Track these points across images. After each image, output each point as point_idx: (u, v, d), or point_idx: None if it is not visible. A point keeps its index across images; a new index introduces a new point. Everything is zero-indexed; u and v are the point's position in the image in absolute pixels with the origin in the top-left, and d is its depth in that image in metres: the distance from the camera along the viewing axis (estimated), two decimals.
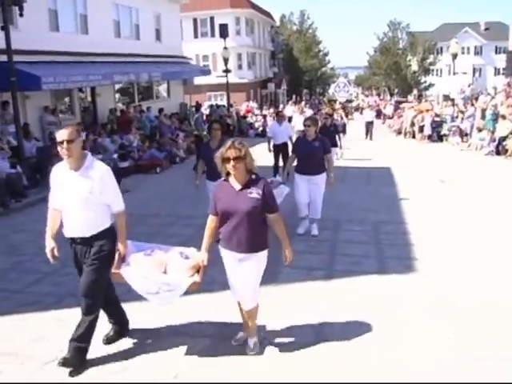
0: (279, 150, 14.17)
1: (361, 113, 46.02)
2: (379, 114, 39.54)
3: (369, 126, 28.19)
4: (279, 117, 15.08)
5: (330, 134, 14.46)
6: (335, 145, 15.20)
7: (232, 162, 4.74)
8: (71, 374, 4.79)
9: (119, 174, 14.13)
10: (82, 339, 4.87)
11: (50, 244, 5.03)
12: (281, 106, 40.39)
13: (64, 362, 4.79)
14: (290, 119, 23.52)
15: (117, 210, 5.03)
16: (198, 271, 5.08)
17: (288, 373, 4.78)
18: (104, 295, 5.07)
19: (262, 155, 14.60)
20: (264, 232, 5.01)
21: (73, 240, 4.97)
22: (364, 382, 4.62)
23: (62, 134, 4.73)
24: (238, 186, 4.88)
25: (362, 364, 4.90)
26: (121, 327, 5.49)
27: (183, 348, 5.27)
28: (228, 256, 5.02)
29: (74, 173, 4.81)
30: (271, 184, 8.61)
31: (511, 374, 4.71)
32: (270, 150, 14.29)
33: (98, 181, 4.79)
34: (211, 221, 5.06)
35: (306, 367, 4.87)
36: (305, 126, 9.17)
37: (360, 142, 25.18)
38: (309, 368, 4.85)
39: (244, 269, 4.95)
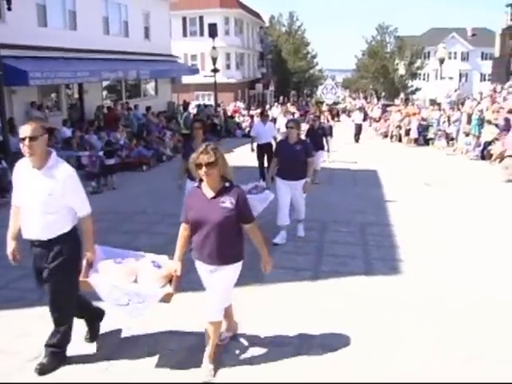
0: (263, 150, 13.76)
1: (348, 115, 46.19)
2: (365, 116, 39.65)
3: (358, 128, 27.89)
4: (264, 116, 14.73)
5: (317, 136, 14.43)
6: (323, 148, 14.97)
7: (204, 168, 4.48)
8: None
9: (105, 171, 14.15)
10: (57, 346, 4.77)
11: (10, 245, 4.80)
12: (267, 106, 40.32)
13: (41, 369, 4.67)
14: (275, 120, 23.32)
15: (82, 214, 4.75)
16: (170, 281, 4.85)
17: (273, 375, 4.77)
18: (75, 302, 4.86)
19: (247, 155, 14.69)
20: (237, 244, 4.75)
21: (31, 242, 4.68)
22: (348, 383, 4.63)
23: (24, 131, 4.44)
24: (210, 194, 4.63)
25: (348, 365, 4.91)
26: (96, 322, 5.30)
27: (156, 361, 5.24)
28: (200, 266, 4.83)
29: (37, 171, 4.54)
30: (255, 189, 8.74)
31: (500, 374, 4.74)
32: (252, 150, 13.98)
33: (61, 183, 4.51)
34: (183, 229, 4.82)
35: (292, 367, 4.86)
36: (287, 127, 8.86)
37: (348, 145, 24.99)
38: (294, 369, 4.84)
39: (213, 279, 4.72)
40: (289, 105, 40.20)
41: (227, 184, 4.67)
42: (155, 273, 4.88)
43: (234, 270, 4.78)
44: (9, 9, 13.68)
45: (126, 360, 4.97)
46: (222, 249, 4.61)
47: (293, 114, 30.55)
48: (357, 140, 27.41)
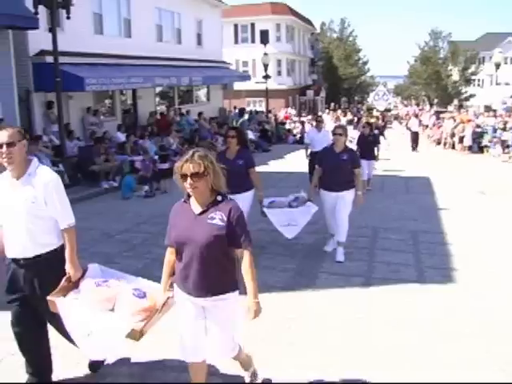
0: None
1: (400, 122, 45.58)
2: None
3: (415, 136, 26.61)
4: (318, 123, 14.23)
5: (368, 144, 14.22)
6: (374, 157, 14.62)
7: (189, 179, 3.74)
8: None
9: (158, 175, 14.41)
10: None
11: None
12: (319, 112, 40.19)
13: None
14: None
15: (65, 224, 4.22)
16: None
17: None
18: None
19: (298, 162, 14.67)
20: (230, 271, 3.93)
21: (15, 262, 4.21)
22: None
23: (0, 136, 4.00)
24: (197, 210, 3.89)
25: (399, 371, 4.85)
26: (39, 378, 4.46)
27: None
28: (183, 300, 3.97)
29: (16, 181, 4.13)
30: (295, 201, 8.59)
31: None
32: (307, 157, 13.64)
33: (42, 188, 4.09)
34: (170, 253, 4.09)
35: (344, 373, 4.83)
36: (334, 134, 8.22)
37: (404, 153, 24.12)
38: (347, 373, 4.82)
39: (210, 321, 3.97)
40: (339, 111, 39.98)
41: (219, 197, 3.90)
42: (135, 303, 4.11)
43: (234, 301, 3.98)
44: (68, 18, 14.07)
45: None
46: (210, 276, 3.81)
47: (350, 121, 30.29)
48: (414, 148, 26.30)
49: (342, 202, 8.08)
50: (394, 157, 20.78)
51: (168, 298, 4.11)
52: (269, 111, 32.95)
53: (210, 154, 3.91)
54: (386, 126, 33.43)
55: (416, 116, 29.40)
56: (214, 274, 3.80)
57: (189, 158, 3.76)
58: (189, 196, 3.95)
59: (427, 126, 34.47)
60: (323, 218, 8.72)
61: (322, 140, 12.93)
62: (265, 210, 8.31)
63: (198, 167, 3.73)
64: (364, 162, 13.39)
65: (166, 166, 14.77)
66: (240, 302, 3.98)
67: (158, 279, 7.19)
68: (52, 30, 13.45)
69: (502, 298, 6.70)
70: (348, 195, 8.11)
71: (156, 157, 14.75)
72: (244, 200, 7.52)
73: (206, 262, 3.77)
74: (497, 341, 5.47)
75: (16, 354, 4.53)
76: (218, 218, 3.79)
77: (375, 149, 14.76)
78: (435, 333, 5.66)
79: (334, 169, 8.05)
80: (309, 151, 13.63)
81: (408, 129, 28.67)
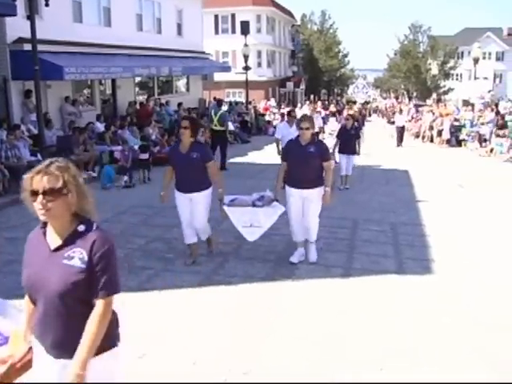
0: None
1: (382, 115, 45.81)
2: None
3: (401, 131, 25.75)
4: (290, 117, 13.19)
5: (349, 138, 13.49)
6: (355, 151, 13.79)
7: (41, 197, 2.70)
8: None
9: (140, 165, 14.35)
10: None
11: None
12: (298, 105, 40.17)
13: None
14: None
15: None
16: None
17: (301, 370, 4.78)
18: None
19: (275, 156, 14.69)
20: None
21: None
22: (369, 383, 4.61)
23: None
24: (53, 243, 2.84)
25: (377, 363, 4.89)
26: None
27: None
28: (42, 359, 2.92)
29: None
30: (260, 200, 7.66)
31: None
32: (279, 153, 11.56)
33: None
34: (27, 301, 3.06)
35: (321, 363, 4.86)
36: (300, 129, 7.40)
37: (385, 147, 24.05)
38: (324, 364, 4.84)
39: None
40: (319, 103, 40.00)
41: (81, 227, 2.83)
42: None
43: (112, 363, 2.98)
44: (46, 5, 13.88)
45: None
46: (72, 334, 2.75)
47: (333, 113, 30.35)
48: (399, 144, 25.51)
49: (311, 203, 7.35)
50: (375, 151, 20.84)
51: (29, 351, 3.04)
52: (249, 102, 32.87)
53: (71, 166, 2.88)
54: (364, 119, 33.62)
55: (401, 111, 29.07)
56: (76, 331, 2.72)
57: (43, 169, 2.75)
58: (45, 223, 2.88)
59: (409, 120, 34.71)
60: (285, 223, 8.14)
61: (293, 135, 11.79)
62: (225, 207, 7.58)
63: (54, 181, 2.72)
64: (343, 157, 13.43)
65: (146, 155, 14.70)
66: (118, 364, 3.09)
67: (139, 270, 7.20)
68: (30, 17, 13.20)
69: (479, 288, 6.78)
70: (317, 193, 7.35)
71: (136, 147, 14.65)
72: (202, 200, 7.27)
73: (66, 315, 2.76)
74: (475, 329, 5.54)
75: None
76: (77, 256, 2.76)
77: (357, 143, 13.94)
78: (415, 323, 5.72)
79: (300, 163, 7.28)
80: (281, 147, 12.19)
81: (391, 123, 28.57)
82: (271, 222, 7.60)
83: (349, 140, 13.53)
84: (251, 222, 7.54)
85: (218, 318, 5.72)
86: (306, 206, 7.39)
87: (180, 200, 7.38)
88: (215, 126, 16.32)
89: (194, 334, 5.35)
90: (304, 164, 7.26)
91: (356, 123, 16.93)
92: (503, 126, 22.69)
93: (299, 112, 30.18)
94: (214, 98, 31.82)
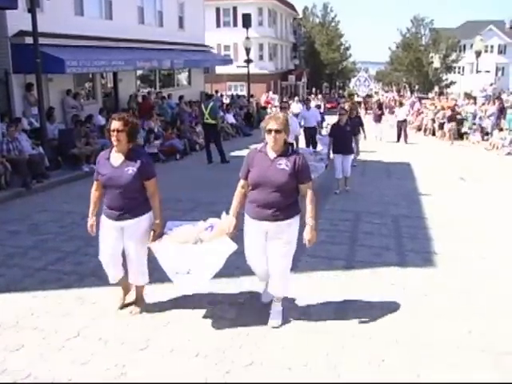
0: None
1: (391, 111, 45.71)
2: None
3: (402, 125, 24.55)
4: (283, 109, 12.48)
5: (345, 135, 11.97)
6: (350, 151, 12.23)
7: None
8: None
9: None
10: None
11: None
12: (295, 98, 40.07)
13: None
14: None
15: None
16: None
17: (303, 361, 4.79)
18: None
19: None
20: None
21: None
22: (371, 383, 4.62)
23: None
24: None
25: (380, 355, 4.90)
26: None
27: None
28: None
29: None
30: (209, 230, 5.65)
31: None
32: None
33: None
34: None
35: (325, 354, 4.87)
36: (269, 131, 5.11)
37: (391, 145, 23.27)
38: (327, 355, 4.85)
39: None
40: (312, 96, 39.75)
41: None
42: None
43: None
44: None
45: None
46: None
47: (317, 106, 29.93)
48: (405, 140, 24.36)
49: (277, 241, 5.22)
50: (377, 145, 20.81)
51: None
52: (251, 95, 32.83)
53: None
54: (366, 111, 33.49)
55: (401, 104, 28.54)
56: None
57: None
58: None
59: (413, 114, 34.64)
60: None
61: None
62: (152, 245, 5.45)
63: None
64: (338, 158, 12.01)
65: (155, 149, 14.74)
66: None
67: None
68: (31, 10, 13.20)
69: (481, 281, 6.79)
70: (287, 228, 5.22)
71: (155, 141, 14.76)
72: (137, 231, 5.43)
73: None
74: (477, 323, 5.54)
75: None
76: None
77: (353, 141, 12.55)
78: (416, 315, 5.72)
79: (264, 183, 5.13)
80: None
81: (391, 113, 28.35)
82: (218, 265, 5.34)
83: (344, 138, 11.92)
84: (188, 266, 5.29)
85: (221, 309, 5.73)
86: (271, 246, 5.26)
87: (107, 229, 5.49)
88: (206, 119, 16.27)
89: (196, 326, 5.36)
90: (269, 185, 5.11)
91: (357, 119, 16.79)
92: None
93: (295, 106, 30.01)
94: (216, 91, 31.87)
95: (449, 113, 26.31)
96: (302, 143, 15.51)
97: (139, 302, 5.73)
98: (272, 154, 5.21)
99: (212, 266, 5.28)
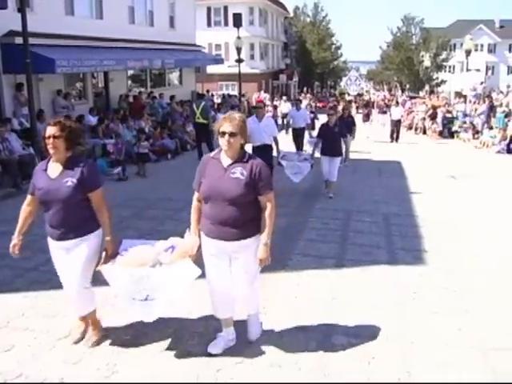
0: (259, 152, 9.79)
1: (372, 107, 45.80)
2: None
3: (396, 125, 24.13)
4: (259, 110, 11.35)
5: (333, 137, 11.47)
6: (338, 153, 11.70)
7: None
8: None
9: (138, 159, 14.33)
10: None
11: None
12: (283, 97, 40.16)
13: None
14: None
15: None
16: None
17: (294, 361, 4.82)
18: None
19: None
20: None
21: None
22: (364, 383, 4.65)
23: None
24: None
25: (370, 353, 4.93)
26: None
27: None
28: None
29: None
30: (168, 253, 4.99)
31: None
32: None
33: None
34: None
35: (314, 354, 4.89)
36: (222, 134, 4.44)
37: (382, 144, 22.91)
38: (317, 355, 4.88)
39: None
40: (303, 95, 39.84)
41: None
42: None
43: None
44: None
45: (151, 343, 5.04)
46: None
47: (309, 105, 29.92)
48: (396, 139, 23.98)
49: (241, 262, 4.66)
50: (369, 144, 20.85)
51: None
52: (242, 95, 32.83)
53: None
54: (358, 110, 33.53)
55: (397, 103, 28.36)
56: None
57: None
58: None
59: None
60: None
61: (261, 131, 10.62)
62: (103, 267, 4.76)
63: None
64: (325, 160, 11.49)
65: (146, 150, 14.73)
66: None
67: None
68: (21, 9, 13.12)
69: (471, 279, 6.84)
70: (251, 250, 4.62)
71: (143, 143, 14.75)
72: (82, 252, 4.73)
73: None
74: (467, 320, 5.59)
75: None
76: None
77: (342, 143, 12.14)
78: (406, 312, 5.76)
79: (218, 195, 4.50)
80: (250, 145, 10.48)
81: (383, 113, 28.37)
82: (179, 294, 4.82)
83: (332, 139, 11.45)
84: (146, 291, 4.65)
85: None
86: (235, 268, 4.69)
87: (52, 251, 4.92)
88: (198, 118, 16.28)
89: (187, 325, 5.38)
90: (222, 198, 4.47)
91: (350, 118, 16.76)
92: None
93: (283, 106, 30.07)
94: (207, 91, 31.85)
95: (431, 111, 26.53)
96: (289, 145, 15.54)
97: (95, 329, 5.05)
98: (226, 161, 4.55)
99: (173, 292, 4.65)
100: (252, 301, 5.01)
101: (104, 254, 4.77)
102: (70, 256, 4.70)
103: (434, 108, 27.88)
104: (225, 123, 4.47)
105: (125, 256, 4.77)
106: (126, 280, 4.59)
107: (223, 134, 4.45)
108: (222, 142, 4.46)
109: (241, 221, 4.48)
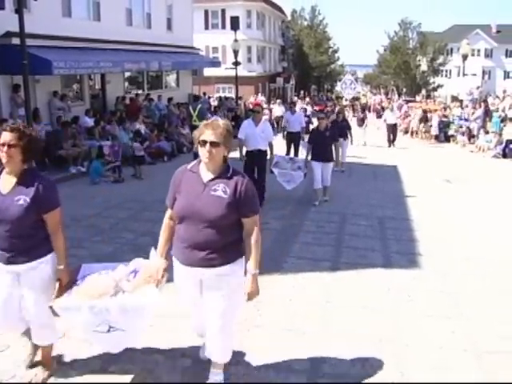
0: (253, 157, 10.47)
1: (369, 111, 45.88)
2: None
3: (392, 129, 23.97)
4: (256, 113, 10.92)
5: (324, 142, 11.05)
6: (329, 159, 11.19)
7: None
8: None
9: (135, 161, 14.33)
10: None
11: None
12: (277, 100, 40.20)
13: None
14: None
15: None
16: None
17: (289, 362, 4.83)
18: None
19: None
20: None
21: None
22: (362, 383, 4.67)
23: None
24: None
25: (365, 355, 4.95)
26: None
27: None
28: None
29: None
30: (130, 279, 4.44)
31: None
32: (241, 159, 10.56)
33: None
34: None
35: (310, 356, 4.91)
36: (202, 142, 3.85)
37: (378, 149, 22.66)
38: (313, 358, 4.90)
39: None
40: (296, 98, 39.89)
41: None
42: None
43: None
44: None
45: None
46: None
47: (304, 110, 29.83)
48: (393, 143, 23.89)
49: (218, 295, 3.98)
50: (367, 151, 20.82)
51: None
52: (239, 98, 32.87)
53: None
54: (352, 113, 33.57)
55: (392, 108, 28.31)
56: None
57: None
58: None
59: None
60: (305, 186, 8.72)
61: (256, 136, 10.44)
62: (54, 303, 4.24)
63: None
64: (317, 166, 11.08)
65: (142, 152, 14.73)
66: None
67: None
68: (19, 10, 13.13)
69: (465, 282, 6.87)
70: (233, 276, 4.01)
71: (136, 144, 14.74)
72: (36, 279, 4.13)
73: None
74: (460, 323, 5.61)
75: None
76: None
77: (334, 148, 11.34)
78: (400, 315, 5.78)
79: (193, 217, 3.88)
80: (245, 150, 10.72)
81: (384, 121, 28.23)
82: (144, 325, 4.28)
83: (323, 144, 11.03)
84: (108, 323, 4.10)
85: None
86: (208, 300, 4.03)
87: (0, 275, 4.21)
88: (195, 121, 16.29)
89: (180, 327, 5.38)
90: (200, 219, 3.85)
91: (345, 122, 16.65)
92: None
93: (277, 109, 30.01)
94: (204, 94, 31.86)
95: (420, 114, 26.64)
96: (283, 150, 15.50)
97: (46, 365, 4.45)
98: (206, 176, 3.92)
99: (138, 322, 4.12)
100: (221, 345, 4.13)
101: (57, 284, 4.18)
102: (23, 281, 4.12)
103: (425, 112, 28.11)
104: (206, 131, 3.83)
105: (81, 286, 4.19)
106: (85, 313, 4.00)
107: (204, 143, 3.81)
108: (202, 152, 3.83)
109: (220, 245, 3.85)
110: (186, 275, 4.03)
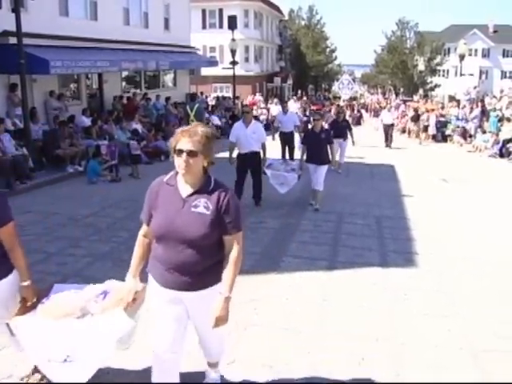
0: (246, 160, 10.40)
1: (366, 110, 45.92)
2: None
3: (388, 129, 23.50)
4: (245, 114, 10.77)
5: (319, 143, 10.65)
6: (324, 161, 10.72)
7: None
8: None
9: (132, 160, 14.31)
10: None
11: None
12: (274, 100, 40.10)
13: None
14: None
15: None
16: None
17: (285, 360, 4.85)
18: None
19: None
20: None
21: None
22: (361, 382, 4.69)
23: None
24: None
25: (361, 354, 4.96)
26: None
27: None
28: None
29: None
30: (99, 300, 4.10)
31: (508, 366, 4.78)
32: (231, 162, 10.51)
33: None
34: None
35: (307, 355, 4.92)
36: (177, 151, 3.54)
37: (374, 148, 22.33)
38: (309, 355, 4.91)
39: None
40: (295, 98, 39.92)
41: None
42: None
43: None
44: None
45: None
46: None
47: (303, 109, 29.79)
48: (389, 144, 23.38)
49: (200, 316, 3.73)
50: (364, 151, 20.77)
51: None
52: (236, 97, 32.86)
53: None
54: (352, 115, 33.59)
55: (389, 108, 28.30)
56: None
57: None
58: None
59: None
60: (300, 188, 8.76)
61: (248, 137, 10.29)
62: (10, 322, 4.02)
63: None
64: (312, 168, 10.77)
65: (138, 151, 14.72)
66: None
67: (125, 263, 7.21)
68: (15, 10, 13.13)
69: (461, 281, 6.89)
70: (208, 298, 3.58)
71: (132, 142, 14.75)
72: None
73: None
74: (456, 322, 5.64)
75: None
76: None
77: (329, 149, 10.85)
78: (396, 314, 5.80)
79: (172, 237, 3.50)
80: (236, 153, 10.61)
81: (381, 121, 28.13)
82: (107, 353, 3.74)
83: (318, 146, 10.64)
84: (66, 351, 3.66)
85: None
86: (197, 323, 3.82)
87: None
88: (192, 121, 16.31)
89: None
90: (179, 239, 3.48)
91: (345, 122, 16.41)
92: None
93: (274, 109, 30.03)
94: (201, 93, 31.86)
95: (412, 113, 26.68)
96: (277, 151, 15.34)
97: None
98: (185, 190, 3.55)
99: (101, 350, 3.64)
100: (218, 347, 4.13)
101: (22, 303, 3.85)
102: None
103: (416, 111, 28.21)
104: (183, 138, 3.43)
105: (46, 304, 3.87)
106: (45, 334, 3.65)
107: (180, 152, 3.42)
108: (179, 162, 3.44)
109: (201, 266, 3.49)
110: (166, 296, 3.61)
